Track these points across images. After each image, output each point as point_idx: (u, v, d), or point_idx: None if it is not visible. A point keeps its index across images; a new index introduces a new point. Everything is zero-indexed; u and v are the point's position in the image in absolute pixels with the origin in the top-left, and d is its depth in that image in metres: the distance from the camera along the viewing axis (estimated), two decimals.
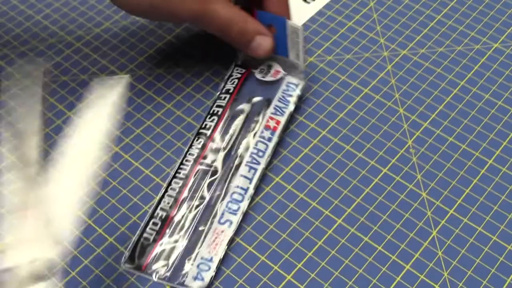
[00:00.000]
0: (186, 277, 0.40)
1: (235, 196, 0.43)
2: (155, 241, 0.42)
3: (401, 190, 0.45)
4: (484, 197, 0.45)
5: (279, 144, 0.48)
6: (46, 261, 0.32)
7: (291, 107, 0.48)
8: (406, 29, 0.55)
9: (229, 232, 0.42)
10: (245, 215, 0.44)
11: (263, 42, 0.47)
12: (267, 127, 0.46)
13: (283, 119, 0.47)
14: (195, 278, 0.40)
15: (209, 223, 0.42)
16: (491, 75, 0.52)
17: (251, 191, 0.44)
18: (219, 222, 0.42)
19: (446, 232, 0.43)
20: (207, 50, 0.54)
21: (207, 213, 0.43)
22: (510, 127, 0.48)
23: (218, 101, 0.48)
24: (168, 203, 0.43)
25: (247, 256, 0.42)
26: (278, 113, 0.47)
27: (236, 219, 0.43)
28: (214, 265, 0.41)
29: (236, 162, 0.45)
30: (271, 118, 0.46)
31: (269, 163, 0.47)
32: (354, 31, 0.55)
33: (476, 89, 0.51)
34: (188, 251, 0.41)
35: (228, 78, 0.49)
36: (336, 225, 0.44)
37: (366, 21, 0.56)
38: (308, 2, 0.58)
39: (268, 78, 0.48)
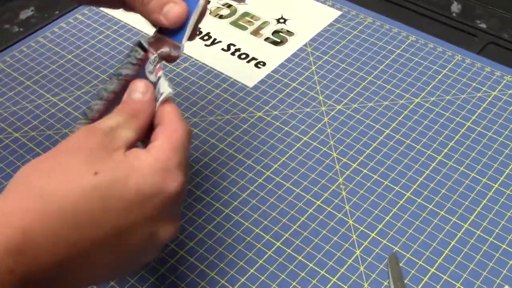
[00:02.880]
0: None
1: None
2: None
3: (331, 218, 0.54)
4: (401, 223, 0.53)
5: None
6: None
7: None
8: (341, 88, 0.65)
9: None
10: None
11: (175, 7, 0.45)
12: None
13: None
14: None
15: None
16: (412, 124, 0.61)
17: None
18: None
19: (367, 251, 0.51)
20: None
21: None
22: (425, 165, 0.57)
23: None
24: None
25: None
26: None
27: None
28: None
29: None
30: None
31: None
32: (297, 90, 0.65)
33: (399, 136, 0.60)
34: None
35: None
36: (275, 247, 0.52)
37: (308, 82, 0.66)
38: (259, 67, 0.68)
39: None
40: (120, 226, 0.37)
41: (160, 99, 0.43)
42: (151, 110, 0.42)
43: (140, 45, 0.45)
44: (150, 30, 0.46)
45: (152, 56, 0.45)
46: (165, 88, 0.44)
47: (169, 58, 0.46)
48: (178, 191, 0.39)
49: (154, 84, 0.44)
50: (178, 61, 0.67)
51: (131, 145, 0.40)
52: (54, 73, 0.68)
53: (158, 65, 0.45)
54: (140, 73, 0.45)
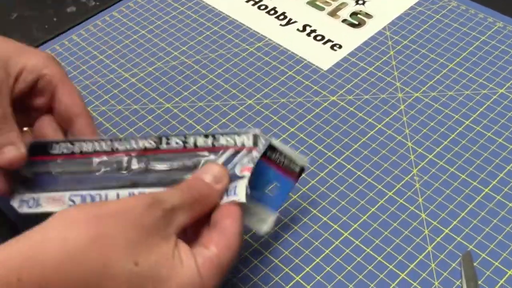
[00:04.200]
0: None
1: None
2: None
3: (402, 210, 0.51)
4: (477, 220, 0.50)
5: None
6: None
7: None
8: (420, 75, 0.62)
9: None
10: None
11: (10, 152, 0.45)
12: None
13: None
14: None
15: None
16: (494, 116, 0.58)
17: None
18: None
19: (440, 247, 0.49)
20: None
21: None
22: (507, 161, 0.54)
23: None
24: None
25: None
26: None
27: None
28: None
29: None
30: None
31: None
32: (373, 75, 0.62)
33: (480, 127, 0.57)
34: None
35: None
36: (343, 237, 0.50)
37: (385, 67, 0.63)
38: (335, 50, 0.65)
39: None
40: None
41: (230, 199, 0.42)
42: (216, 202, 0.42)
43: (269, 147, 0.45)
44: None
45: (256, 154, 0.44)
46: (241, 192, 0.42)
47: None
48: None
49: (232, 177, 0.43)
50: (252, 40, 0.66)
51: (183, 230, 0.39)
52: (127, 48, 0.68)
53: (251, 165, 0.44)
54: (228, 159, 0.44)
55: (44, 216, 0.37)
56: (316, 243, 0.50)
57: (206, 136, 0.45)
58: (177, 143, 0.45)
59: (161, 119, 0.60)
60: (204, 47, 0.67)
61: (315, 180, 0.54)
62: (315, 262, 0.49)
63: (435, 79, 0.62)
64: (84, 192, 0.45)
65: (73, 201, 0.45)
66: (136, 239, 0.36)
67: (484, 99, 0.59)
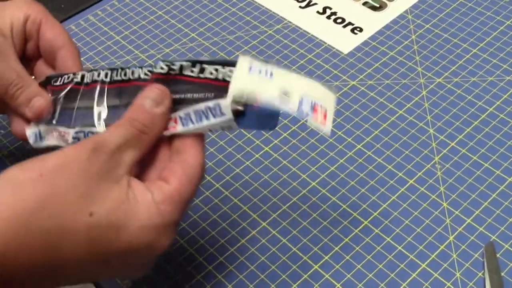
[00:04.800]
0: None
1: None
2: None
3: (424, 199, 0.50)
4: (500, 210, 0.49)
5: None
6: None
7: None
8: (443, 60, 0.61)
9: None
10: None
11: (39, 100, 0.46)
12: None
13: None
14: None
15: None
16: None
17: None
18: None
19: (462, 237, 0.48)
20: None
21: None
22: None
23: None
24: None
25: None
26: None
27: None
28: None
29: None
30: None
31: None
32: (395, 60, 0.61)
33: (504, 115, 0.56)
34: None
35: None
36: (363, 225, 0.49)
37: (407, 51, 0.62)
38: (356, 33, 0.64)
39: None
40: (97, 270, 0.36)
41: (189, 127, 0.39)
42: (162, 127, 0.39)
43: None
44: None
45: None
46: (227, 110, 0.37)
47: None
48: (165, 248, 0.37)
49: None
50: (270, 22, 0.65)
51: (134, 167, 0.38)
52: (144, 29, 0.67)
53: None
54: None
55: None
56: (335, 232, 0.49)
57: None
58: (192, 71, 0.41)
59: None
60: (222, 28, 0.66)
61: (334, 166, 0.53)
62: (333, 251, 0.48)
63: (457, 64, 0.60)
64: (87, 129, 0.44)
65: (77, 138, 0.44)
66: (86, 190, 0.35)
67: (509, 86, 0.58)
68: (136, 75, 0.43)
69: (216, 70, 0.39)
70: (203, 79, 0.40)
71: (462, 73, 0.60)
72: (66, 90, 0.46)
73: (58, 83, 0.47)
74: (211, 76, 0.40)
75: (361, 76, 0.60)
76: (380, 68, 0.61)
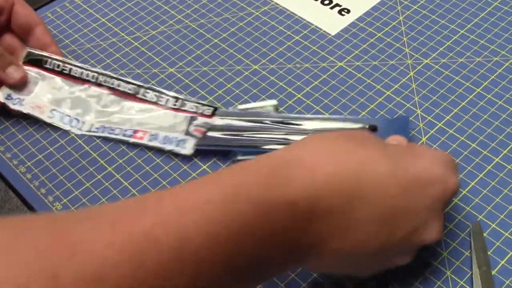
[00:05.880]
0: None
1: None
2: None
3: None
4: (488, 190, 0.49)
5: None
6: None
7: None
8: (430, 41, 0.60)
9: None
10: None
11: (14, 72, 0.55)
12: None
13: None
14: None
15: None
16: (506, 84, 0.56)
17: None
18: None
19: (449, 217, 0.48)
20: None
21: None
22: None
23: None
24: None
25: None
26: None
27: None
28: None
29: None
30: None
31: None
32: (382, 41, 0.61)
33: (491, 95, 0.56)
34: None
35: None
36: None
37: (394, 33, 0.62)
38: (343, 15, 0.64)
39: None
40: (396, 205, 0.37)
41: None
42: None
43: None
44: None
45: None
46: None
47: None
48: (455, 187, 0.40)
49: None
50: (257, 4, 0.64)
51: None
52: (129, 11, 0.66)
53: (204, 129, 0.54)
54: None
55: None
56: None
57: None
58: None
59: (165, 83, 0.59)
60: (208, 10, 0.65)
61: None
62: None
63: (445, 45, 0.60)
64: (67, 111, 0.55)
65: (51, 117, 0.55)
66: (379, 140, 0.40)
67: (496, 66, 0.58)
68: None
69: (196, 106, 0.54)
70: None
71: (449, 54, 0.59)
72: (53, 76, 0.57)
73: (48, 66, 0.57)
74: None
75: (349, 58, 0.60)
76: (368, 50, 0.60)
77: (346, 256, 0.38)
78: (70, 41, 0.63)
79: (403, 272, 0.45)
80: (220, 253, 0.32)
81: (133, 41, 0.63)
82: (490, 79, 0.57)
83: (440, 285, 0.44)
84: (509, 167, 0.51)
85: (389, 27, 0.62)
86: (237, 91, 0.58)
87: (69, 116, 0.55)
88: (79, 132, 0.54)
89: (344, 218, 0.36)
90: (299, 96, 0.57)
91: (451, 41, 0.60)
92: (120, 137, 0.53)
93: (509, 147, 0.52)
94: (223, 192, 0.33)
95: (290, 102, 0.56)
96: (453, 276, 0.45)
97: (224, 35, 0.63)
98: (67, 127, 0.55)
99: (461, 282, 0.44)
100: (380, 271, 0.42)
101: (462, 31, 0.61)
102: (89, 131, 0.54)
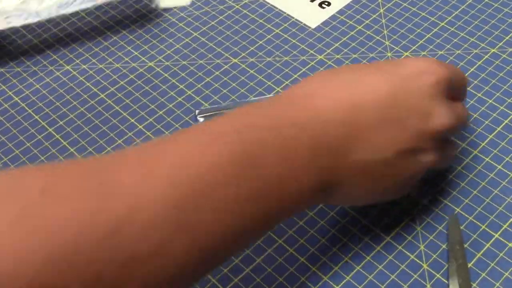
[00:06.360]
0: None
1: None
2: None
3: None
4: (465, 183, 0.49)
5: None
6: None
7: None
8: (410, 33, 0.60)
9: None
10: None
11: None
12: None
13: None
14: None
15: None
16: (485, 76, 0.56)
17: None
18: None
19: (426, 210, 0.48)
20: None
21: None
22: (496, 122, 0.53)
23: None
24: None
25: None
26: None
27: None
28: None
29: None
30: None
31: None
32: (362, 34, 0.61)
33: (471, 88, 0.56)
34: None
35: None
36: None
37: (375, 25, 0.61)
38: (323, 7, 0.64)
39: None
40: (394, 105, 0.40)
41: None
42: None
43: None
44: None
45: None
46: None
47: None
48: (445, 76, 0.42)
49: None
50: None
51: None
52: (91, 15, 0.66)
53: None
54: None
55: None
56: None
57: None
58: None
59: (143, 77, 0.58)
60: (188, 4, 0.65)
61: None
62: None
63: (425, 38, 0.60)
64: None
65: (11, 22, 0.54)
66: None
67: (476, 59, 0.58)
68: None
69: None
70: None
71: (429, 46, 0.59)
72: None
73: None
74: None
75: (329, 51, 0.60)
76: (348, 42, 0.60)
77: (368, 169, 0.40)
78: None
79: (379, 265, 0.45)
80: (242, 176, 0.35)
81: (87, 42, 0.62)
82: (470, 71, 0.57)
83: (416, 278, 0.44)
84: (487, 159, 0.51)
85: (369, 20, 0.62)
86: (216, 85, 0.57)
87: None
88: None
89: (354, 130, 0.39)
90: (278, 89, 0.57)
91: (431, 33, 0.60)
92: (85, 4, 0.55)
93: (487, 140, 0.52)
94: (237, 130, 0.36)
95: (269, 96, 0.56)
96: (429, 269, 0.45)
97: (204, 28, 0.62)
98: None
99: (438, 275, 0.44)
100: (404, 189, 0.43)
101: (442, 23, 0.61)
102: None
